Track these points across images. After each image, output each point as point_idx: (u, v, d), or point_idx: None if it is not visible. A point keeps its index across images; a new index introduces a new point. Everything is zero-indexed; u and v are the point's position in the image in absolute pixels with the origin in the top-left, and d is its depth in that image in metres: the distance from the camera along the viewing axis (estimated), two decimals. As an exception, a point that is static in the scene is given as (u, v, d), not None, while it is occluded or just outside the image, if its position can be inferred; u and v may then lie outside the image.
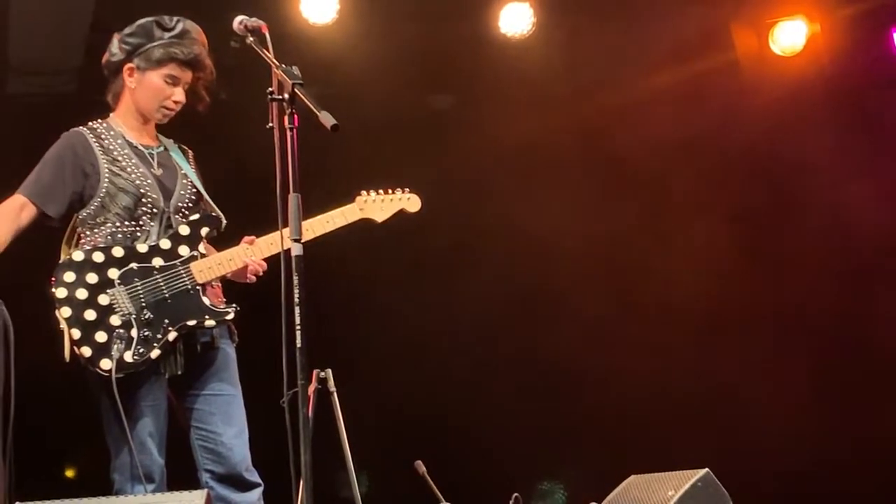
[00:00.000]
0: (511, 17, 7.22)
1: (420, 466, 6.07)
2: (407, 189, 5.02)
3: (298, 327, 3.76)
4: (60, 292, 4.43)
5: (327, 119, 3.82)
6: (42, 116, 6.93)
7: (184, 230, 4.60)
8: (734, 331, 7.82)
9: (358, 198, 4.92)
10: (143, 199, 4.58)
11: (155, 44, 4.65)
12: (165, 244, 4.56)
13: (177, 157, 4.80)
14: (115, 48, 4.71)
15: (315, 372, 5.20)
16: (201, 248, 4.62)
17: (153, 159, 4.71)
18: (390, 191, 4.98)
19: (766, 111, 7.63)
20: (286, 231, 3.85)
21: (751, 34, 7.76)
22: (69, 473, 7.98)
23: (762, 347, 7.81)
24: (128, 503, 4.06)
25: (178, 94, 4.71)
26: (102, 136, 4.66)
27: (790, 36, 7.64)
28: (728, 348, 7.78)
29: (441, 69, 7.57)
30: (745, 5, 7.56)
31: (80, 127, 4.70)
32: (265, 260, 4.68)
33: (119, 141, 4.67)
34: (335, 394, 5.27)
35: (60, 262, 4.52)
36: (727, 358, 7.78)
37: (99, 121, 4.75)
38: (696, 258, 7.66)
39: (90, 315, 4.41)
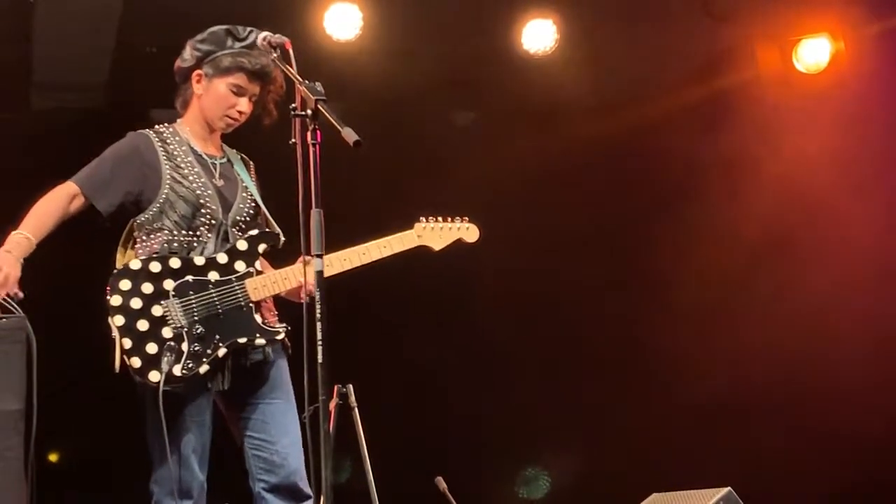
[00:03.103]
0: (534, 34, 7.22)
1: (441, 483, 6.06)
2: (466, 218, 4.96)
3: (320, 343, 3.75)
4: (115, 300, 4.38)
5: (350, 135, 3.82)
6: (67, 132, 6.99)
7: (241, 245, 4.55)
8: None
9: (417, 224, 4.86)
10: (202, 210, 4.54)
11: (224, 52, 4.61)
12: (222, 258, 4.51)
13: (239, 169, 4.76)
14: (187, 54, 4.68)
15: (336, 387, 5.20)
16: (257, 264, 4.57)
17: (215, 169, 4.66)
18: (449, 219, 4.92)
19: (789, 129, 7.61)
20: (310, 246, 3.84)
21: (774, 52, 7.75)
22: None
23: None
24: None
25: (243, 105, 4.66)
26: (168, 141, 4.62)
27: (814, 54, 7.63)
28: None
29: (464, 86, 7.58)
30: (768, 23, 7.55)
31: (147, 129, 4.66)
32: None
33: (184, 147, 4.63)
34: (356, 409, 5.28)
35: (116, 270, 4.48)
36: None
37: (166, 125, 4.71)
38: (713, 274, 7.65)
39: (143, 325, 4.36)
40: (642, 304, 7.95)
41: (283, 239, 4.66)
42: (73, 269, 7.15)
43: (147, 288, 4.41)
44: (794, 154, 7.61)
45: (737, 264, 7.76)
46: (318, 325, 3.76)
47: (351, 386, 5.26)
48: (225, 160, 4.74)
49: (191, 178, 4.57)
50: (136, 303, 4.38)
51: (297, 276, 4.56)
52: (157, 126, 4.70)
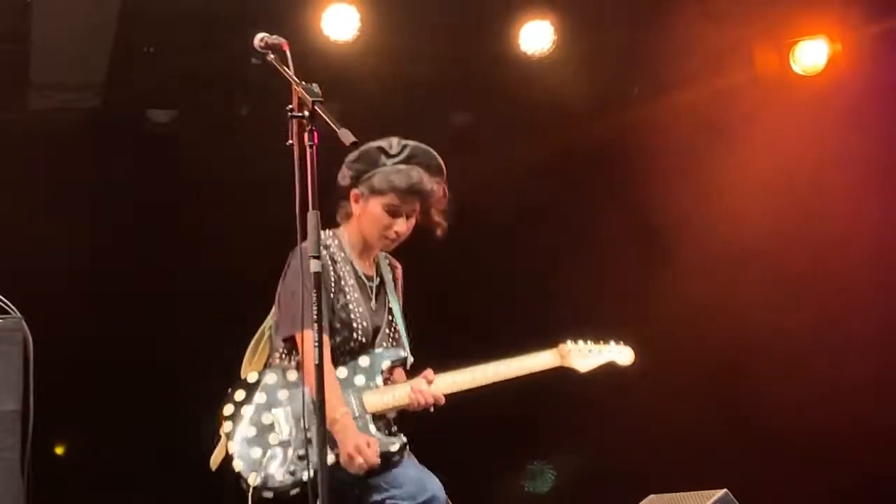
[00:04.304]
0: (531, 35, 7.21)
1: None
2: (621, 342, 4.96)
3: (316, 344, 3.75)
4: (227, 409, 4.42)
5: (347, 136, 3.81)
6: (64, 132, 6.99)
7: (364, 361, 4.55)
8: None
9: (561, 345, 4.86)
10: (352, 342, 4.55)
11: (377, 170, 4.56)
12: (342, 373, 4.50)
13: (387, 279, 4.73)
14: (343, 173, 4.63)
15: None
16: (379, 379, 4.55)
17: (372, 293, 4.66)
18: (601, 341, 4.92)
19: (786, 130, 7.61)
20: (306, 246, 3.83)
21: (772, 53, 7.75)
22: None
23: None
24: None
25: (400, 225, 4.59)
26: (336, 259, 4.59)
27: (811, 55, 7.62)
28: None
29: (461, 87, 7.58)
30: (766, 25, 7.54)
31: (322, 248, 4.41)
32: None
33: (348, 267, 4.60)
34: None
35: (237, 381, 4.50)
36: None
37: (332, 235, 4.63)
38: (711, 270, 7.66)
39: (250, 431, 4.39)
40: (644, 304, 7.94)
41: (411, 360, 4.67)
42: (71, 270, 7.18)
43: (260, 398, 4.44)
44: (792, 156, 7.61)
45: (733, 263, 7.76)
46: (316, 325, 3.75)
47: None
48: (378, 281, 4.72)
49: (351, 306, 4.56)
50: (246, 410, 4.42)
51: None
52: (324, 238, 4.58)
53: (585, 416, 8.03)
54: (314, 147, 3.85)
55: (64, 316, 6.70)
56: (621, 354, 4.96)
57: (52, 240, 7.06)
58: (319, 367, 3.69)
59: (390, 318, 4.69)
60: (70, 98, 7.12)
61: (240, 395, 4.44)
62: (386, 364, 4.59)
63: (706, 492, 5.32)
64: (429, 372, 4.61)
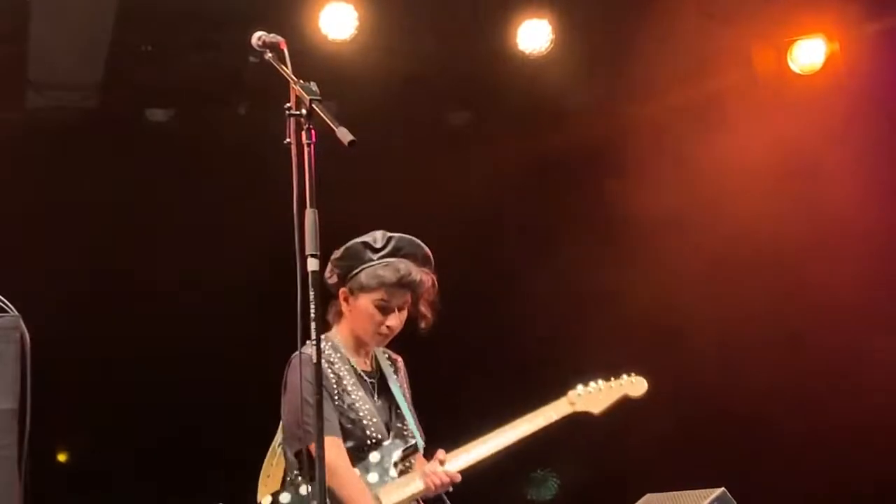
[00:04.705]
0: (529, 34, 7.22)
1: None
2: (633, 373, 4.93)
3: (314, 343, 3.75)
4: None
5: (345, 135, 3.80)
6: (61, 131, 6.99)
7: (374, 457, 4.50)
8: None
9: (570, 392, 4.82)
10: (369, 439, 4.51)
11: (364, 267, 4.50)
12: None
13: (388, 374, 4.69)
14: (329, 272, 4.56)
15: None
16: (392, 472, 4.50)
17: (374, 389, 4.61)
18: (612, 378, 4.89)
19: (784, 129, 7.61)
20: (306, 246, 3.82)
21: (770, 53, 7.76)
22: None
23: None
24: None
25: (392, 320, 4.54)
26: (333, 361, 4.53)
27: (809, 54, 7.64)
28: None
29: (459, 85, 7.59)
30: (764, 24, 7.55)
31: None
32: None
33: (347, 367, 4.55)
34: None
35: None
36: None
37: (323, 338, 4.42)
38: (712, 273, 7.66)
39: None
40: (643, 303, 7.95)
41: (421, 446, 4.63)
42: (70, 269, 7.18)
43: None
44: (789, 155, 7.61)
45: (731, 262, 7.77)
46: (313, 325, 3.75)
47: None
48: (378, 376, 4.67)
49: (357, 404, 4.51)
50: None
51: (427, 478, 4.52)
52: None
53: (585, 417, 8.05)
54: (312, 145, 3.85)
55: (63, 315, 6.71)
56: (633, 386, 4.92)
57: (50, 239, 7.07)
58: (318, 366, 3.69)
59: (397, 410, 4.63)
60: (68, 97, 7.13)
61: None
62: (397, 455, 4.54)
63: (703, 490, 5.31)
64: (440, 452, 4.56)
